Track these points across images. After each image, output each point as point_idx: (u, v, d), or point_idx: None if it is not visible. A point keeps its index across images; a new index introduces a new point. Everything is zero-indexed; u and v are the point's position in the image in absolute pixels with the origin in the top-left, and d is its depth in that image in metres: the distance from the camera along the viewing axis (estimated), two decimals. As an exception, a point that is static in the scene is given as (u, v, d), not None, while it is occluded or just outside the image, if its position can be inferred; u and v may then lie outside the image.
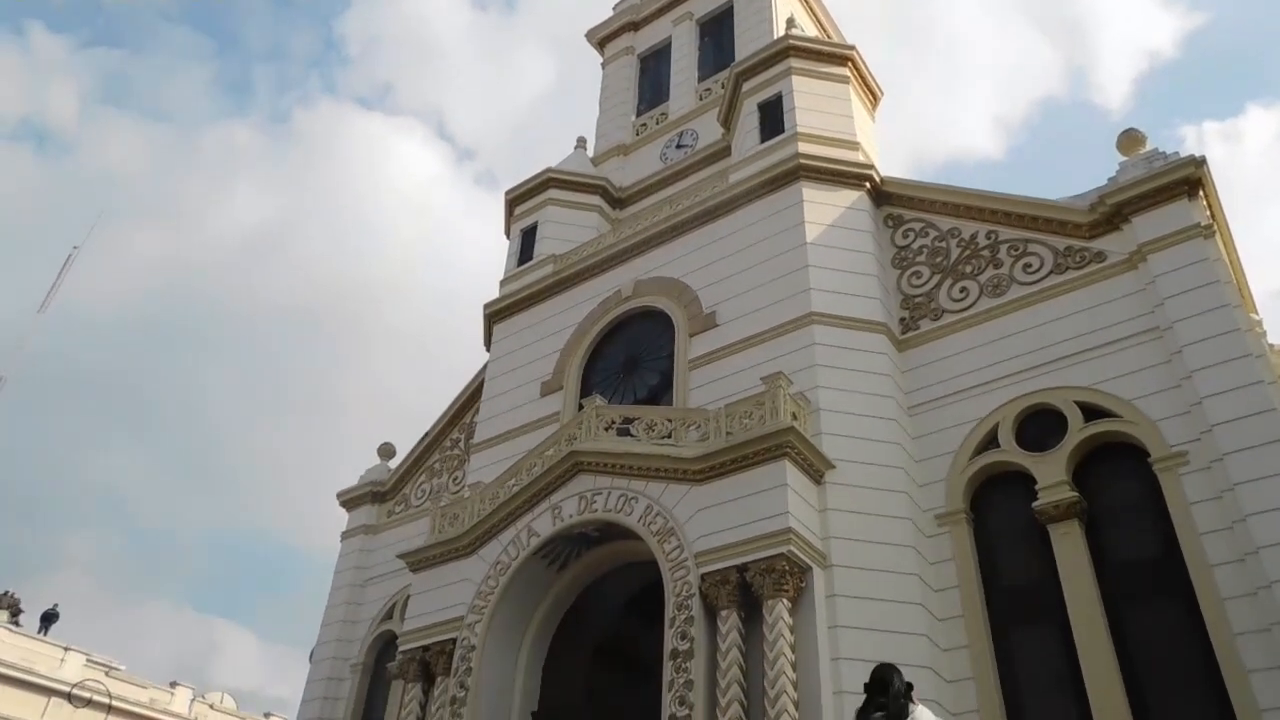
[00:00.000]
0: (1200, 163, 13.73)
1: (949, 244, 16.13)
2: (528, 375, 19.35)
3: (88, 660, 28.40)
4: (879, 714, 5.12)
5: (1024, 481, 13.12)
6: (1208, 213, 13.89)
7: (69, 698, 24.52)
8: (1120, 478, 12.77)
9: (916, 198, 16.94)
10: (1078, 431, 12.98)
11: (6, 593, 29.06)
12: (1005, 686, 12.03)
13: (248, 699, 41.14)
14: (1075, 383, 13.43)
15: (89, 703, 23.65)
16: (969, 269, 15.61)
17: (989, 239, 15.66)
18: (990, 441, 13.75)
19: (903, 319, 15.90)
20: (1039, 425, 13.52)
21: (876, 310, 15.59)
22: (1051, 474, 12.79)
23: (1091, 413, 13.08)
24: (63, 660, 27.82)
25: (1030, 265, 14.95)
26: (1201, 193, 13.87)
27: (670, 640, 12.29)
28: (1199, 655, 11.01)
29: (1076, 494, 12.52)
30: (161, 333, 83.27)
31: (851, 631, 11.91)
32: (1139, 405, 12.71)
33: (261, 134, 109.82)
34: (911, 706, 5.12)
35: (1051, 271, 14.67)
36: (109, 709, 23.79)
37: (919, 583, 12.76)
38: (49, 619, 30.29)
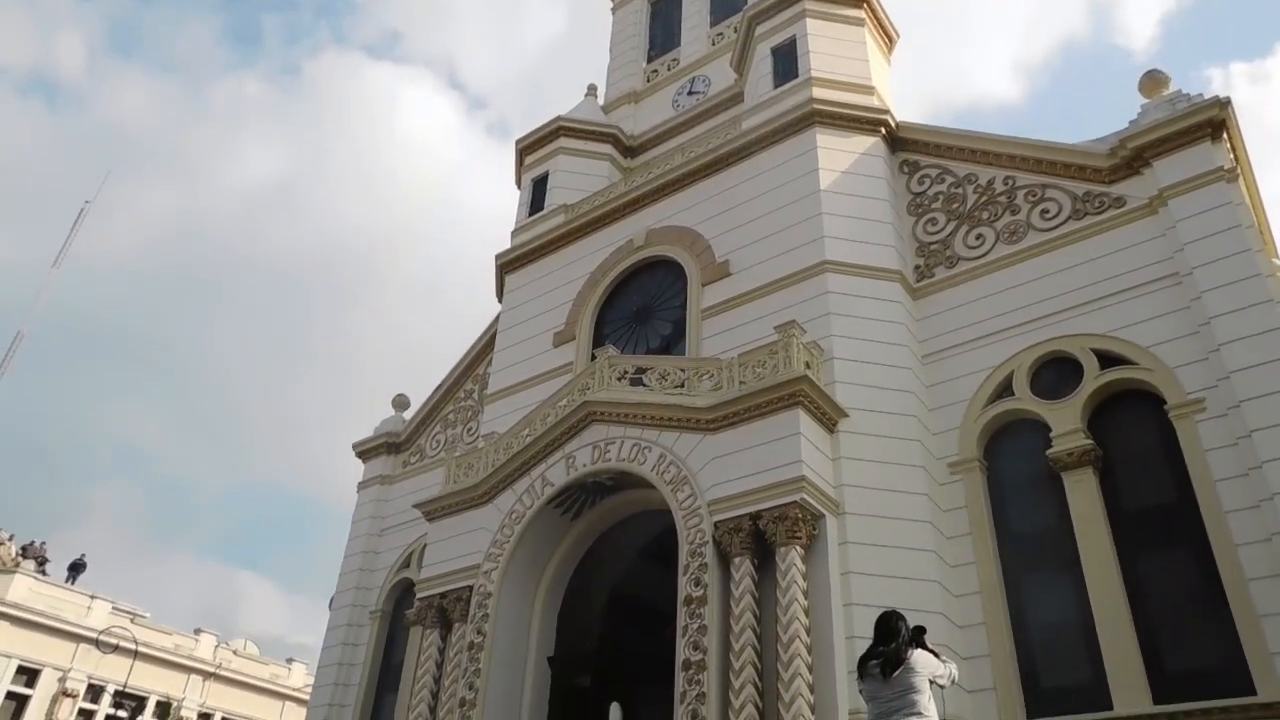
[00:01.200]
0: (1224, 104, 13.42)
1: (965, 190, 15.91)
2: (540, 326, 19.35)
3: (114, 608, 29.06)
4: (875, 661, 5.16)
5: (1038, 429, 13.08)
6: (1231, 156, 13.61)
7: (97, 644, 25.08)
8: (1135, 425, 12.71)
9: (932, 143, 16.67)
10: (1093, 379, 12.90)
11: (32, 543, 29.63)
12: (1016, 631, 12.14)
13: (271, 645, 42.11)
14: (1092, 330, 13.31)
15: (116, 648, 24.17)
16: (985, 215, 15.41)
17: (1006, 185, 15.42)
18: (1004, 390, 13.70)
19: (918, 266, 15.75)
20: (1054, 373, 13.45)
21: (891, 258, 15.45)
22: (1066, 422, 12.75)
23: (1108, 360, 12.99)
24: (89, 608, 28.47)
25: (1048, 211, 14.74)
26: (1225, 135, 13.58)
27: (684, 587, 12.42)
28: (1212, 601, 11.05)
29: (1091, 441, 12.48)
30: (174, 287, 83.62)
31: (864, 578, 12.00)
32: (1156, 352, 12.60)
33: (271, 85, 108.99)
34: (910, 650, 5.15)
35: (1070, 217, 14.46)
36: (135, 654, 24.33)
37: (932, 530, 12.81)
38: (76, 568, 30.92)
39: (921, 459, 13.43)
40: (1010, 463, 13.46)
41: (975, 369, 14.10)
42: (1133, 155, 13.93)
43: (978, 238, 15.27)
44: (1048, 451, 12.72)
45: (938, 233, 15.84)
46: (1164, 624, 11.28)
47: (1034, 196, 15.02)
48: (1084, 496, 12.24)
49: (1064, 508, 12.41)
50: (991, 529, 12.94)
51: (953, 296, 15.01)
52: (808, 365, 13.24)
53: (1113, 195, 14.19)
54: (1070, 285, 13.78)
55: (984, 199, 15.58)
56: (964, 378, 14.14)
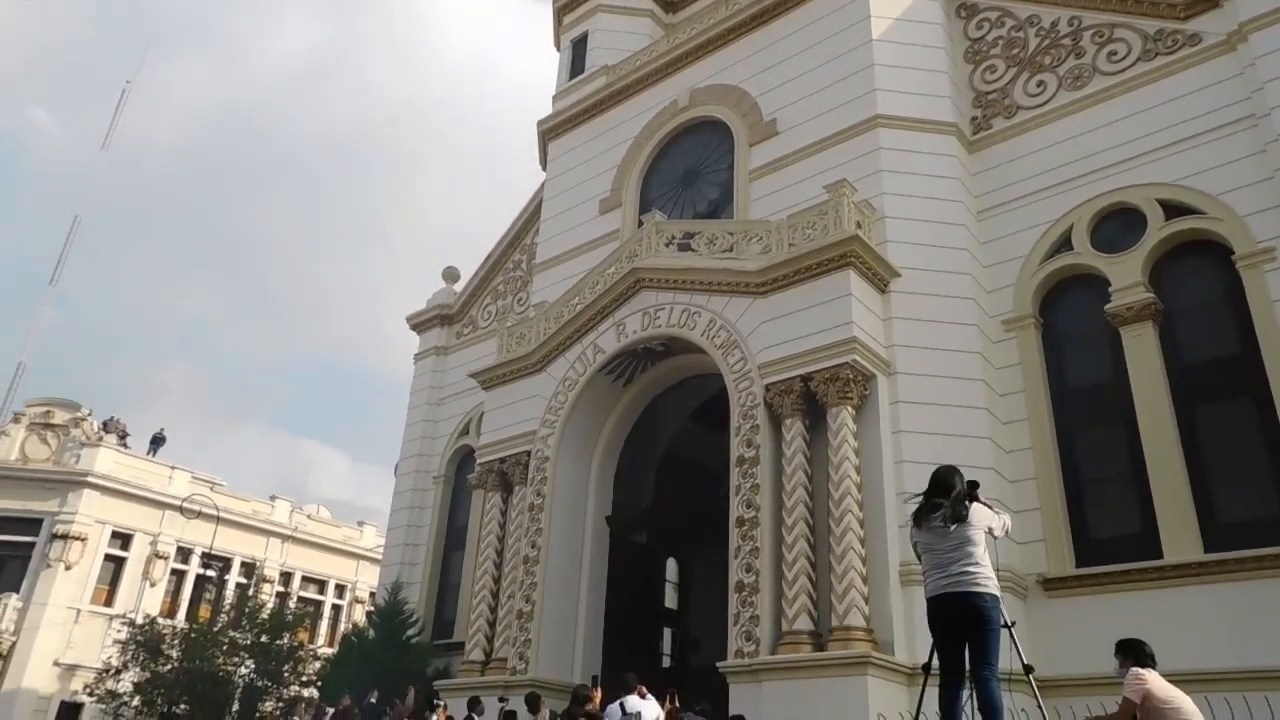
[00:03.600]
0: (1317, -76, 12.33)
1: (1027, 33, 15.06)
2: (586, 193, 19.16)
3: (193, 477, 30.67)
4: (937, 514, 5.24)
5: (1097, 284, 12.79)
6: (1320, -17, 12.61)
7: (180, 510, 26.66)
8: (1199, 277, 12.37)
9: (993, -17, 15.69)
10: (1158, 230, 12.48)
11: (112, 418, 31.07)
12: (1067, 485, 12.25)
13: (341, 509, 44.23)
14: (1158, 179, 12.79)
15: (199, 514, 25.63)
16: (1048, 60, 14.62)
17: (1071, 25, 14.55)
18: (1063, 244, 13.35)
19: (974, 118, 15.13)
20: (1116, 225, 13.04)
21: (946, 110, 14.85)
22: (1127, 276, 12.43)
23: (1173, 210, 12.52)
24: (170, 478, 30.10)
25: (1115, 53, 13.93)
26: (1315, -40, 12.54)
27: (736, 448, 12.68)
28: (1268, 453, 10.99)
29: (1152, 295, 12.19)
30: (221, 165, 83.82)
31: (914, 436, 12.11)
32: (1226, 200, 12.09)
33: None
34: (969, 504, 5.23)
35: (1139, 59, 13.66)
36: (217, 519, 25.78)
37: (984, 388, 12.79)
38: (157, 442, 32.47)
39: (975, 317, 13.27)
40: (1066, 319, 13.26)
41: (1033, 223, 13.71)
42: (1212, -14, 12.98)
43: (1039, 85, 14.55)
44: (1106, 306, 12.47)
45: (996, 81, 15.12)
46: (1218, 475, 11.28)
47: (1101, 37, 14.17)
48: (1142, 351, 12.06)
49: (1120, 363, 12.26)
50: (1045, 385, 12.88)
51: (1011, 149, 14.46)
52: (859, 225, 12.99)
53: (1187, 32, 13.32)
54: (1137, 132, 13.16)
55: (1047, 42, 14.75)
56: (1021, 233, 13.78)
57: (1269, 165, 11.80)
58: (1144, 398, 11.85)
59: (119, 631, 22.29)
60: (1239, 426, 11.40)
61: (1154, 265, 12.49)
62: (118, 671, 20.30)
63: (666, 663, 16.39)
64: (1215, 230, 12.10)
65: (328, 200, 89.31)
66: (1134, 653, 5.32)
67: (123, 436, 30.96)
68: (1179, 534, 11.02)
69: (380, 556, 23.74)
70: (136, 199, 77.65)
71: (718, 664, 11.70)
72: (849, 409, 11.97)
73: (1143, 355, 12.04)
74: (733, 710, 10.78)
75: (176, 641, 20.39)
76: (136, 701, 19.72)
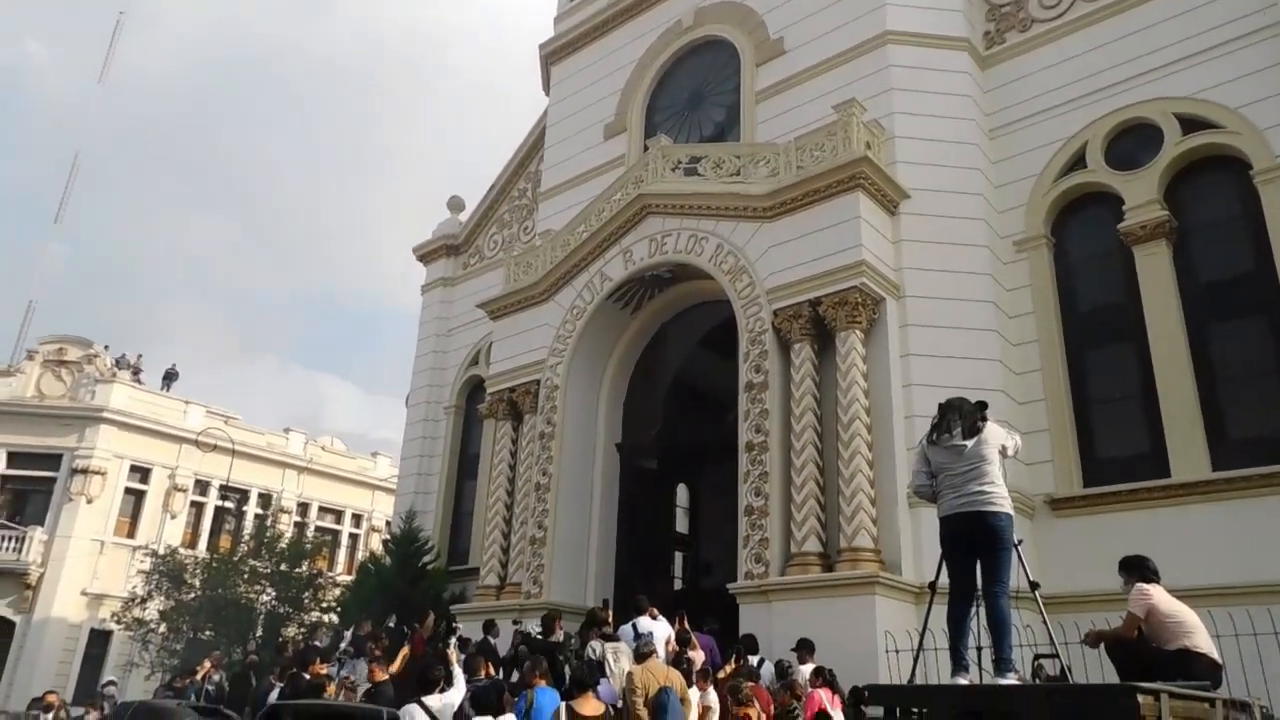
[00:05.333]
0: None
1: (1044, -59, 14.52)
2: (590, 118, 18.83)
3: (208, 411, 31.00)
4: (948, 434, 5.25)
5: (1111, 203, 12.60)
6: (1352, -119, 12.08)
7: (196, 443, 27.05)
8: (1214, 194, 12.15)
9: (1009, -112, 15.07)
10: (1174, 146, 12.22)
11: (124, 355, 31.27)
12: (1076, 406, 12.26)
13: (355, 441, 44.76)
14: (1175, 93, 12.47)
15: (215, 447, 26.04)
16: (1065, -31, 14.13)
17: (1090, -68, 14.02)
18: (1077, 162, 13.11)
19: (987, 33, 14.72)
20: (1131, 142, 12.78)
21: (958, 24, 14.44)
22: (1141, 193, 12.22)
23: (1191, 125, 12.24)
24: (185, 412, 30.42)
25: (1135, -40, 13.43)
26: None
27: (745, 374, 12.69)
28: (1279, 370, 10.94)
29: (1167, 213, 12.00)
30: (223, 97, 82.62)
31: (923, 359, 12.08)
32: (1245, 113, 11.79)
33: None
34: (981, 423, 5.24)
35: (1159, -34, 13.18)
36: (233, 452, 26.15)
37: (994, 310, 12.71)
38: (170, 377, 32.71)
39: (985, 238, 13.12)
40: (1078, 239, 13.10)
41: (1046, 141, 13.44)
42: (1237, -114, 12.44)
43: (1055, -4, 14.10)
44: (1119, 225, 12.30)
45: (1011, -8, 14.65)
46: (1229, 393, 11.26)
47: (1120, -56, 13.66)
48: (1155, 269, 11.93)
49: (1133, 282, 12.14)
50: (1056, 307, 12.79)
51: (1025, 64, 14.09)
52: (868, 145, 12.75)
53: (1210, -62, 12.82)
54: (1154, 44, 12.79)
55: (1064, -49, 14.23)
56: (1034, 151, 13.52)
57: (1291, 76, 11.48)
58: (1156, 317, 11.76)
59: (142, 562, 22.82)
60: (1251, 344, 11.33)
61: (1169, 182, 12.27)
62: (143, 600, 20.84)
63: (678, 585, 16.70)
64: (1233, 144, 11.84)
65: (332, 131, 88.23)
66: (1137, 569, 5.38)
67: (136, 373, 31.20)
68: (1188, 452, 11.05)
69: (394, 486, 24.08)
70: (137, 132, 76.83)
71: (728, 586, 11.92)
72: (858, 333, 11.92)
73: (1156, 274, 11.91)
74: (743, 630, 11.01)
75: (198, 571, 20.89)
76: (163, 628, 20.29)
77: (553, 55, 20.31)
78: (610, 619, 10.88)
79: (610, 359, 15.73)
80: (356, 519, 34.87)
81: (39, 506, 27.22)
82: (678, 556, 17.31)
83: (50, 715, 12.40)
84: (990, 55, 14.51)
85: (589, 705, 6.60)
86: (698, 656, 9.46)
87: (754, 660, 9.89)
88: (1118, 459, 11.82)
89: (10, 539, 26.02)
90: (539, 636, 10.80)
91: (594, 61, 19.34)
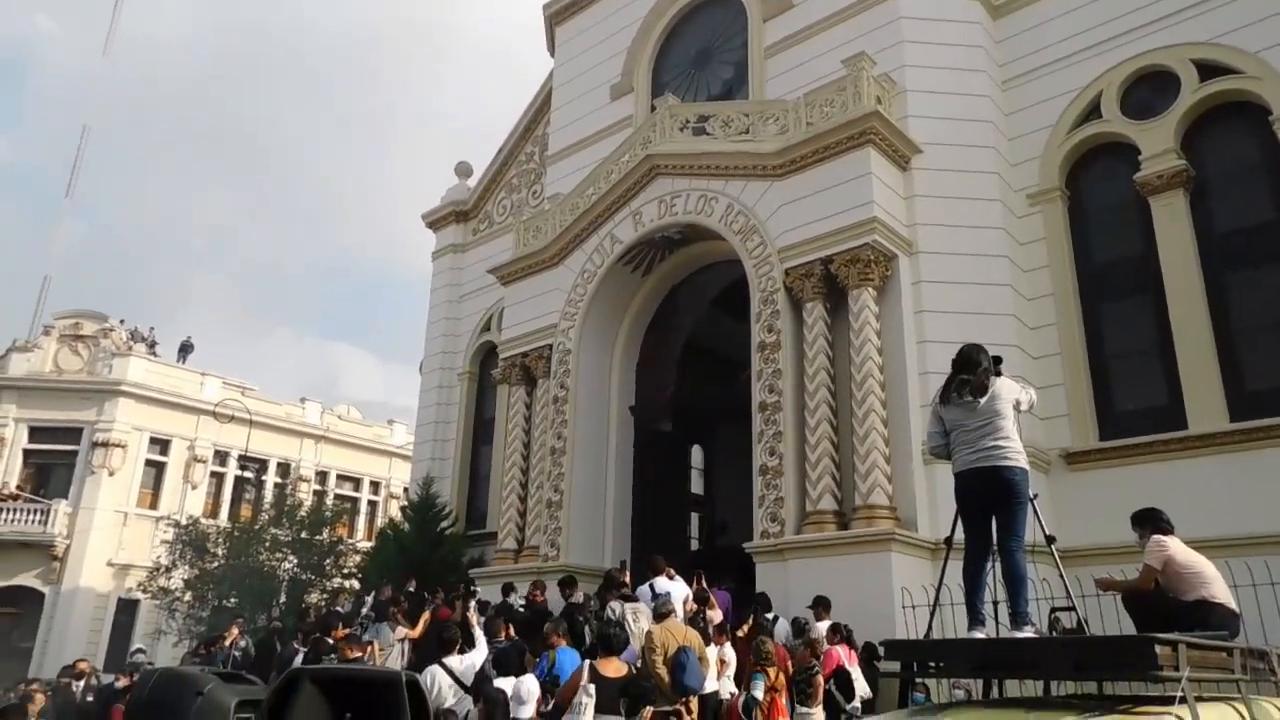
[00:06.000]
0: None
1: (1057, -116, 14.16)
2: (596, 79, 18.63)
3: (224, 383, 31.22)
4: (965, 389, 5.20)
5: (1126, 153, 12.41)
6: None
7: (214, 415, 27.28)
8: (1233, 142, 11.96)
9: None
10: (1192, 93, 12.01)
11: (136, 328, 31.44)
12: (1092, 361, 12.18)
13: (374, 410, 44.98)
14: (1192, 38, 12.22)
15: (232, 418, 26.25)
16: (1079, -87, 13.78)
17: (1105, -127, 13.65)
18: (1092, 112, 12.91)
19: (1000, -20, 14.42)
20: (1147, 90, 12.57)
21: (970, -27, 14.13)
22: (1158, 142, 12.03)
23: (1209, 71, 12.01)
24: (202, 384, 30.65)
25: (1152, -99, 13.09)
26: None
27: (757, 334, 12.65)
28: (1299, 319, 10.84)
29: (1184, 162, 11.82)
30: (232, 67, 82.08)
31: (937, 315, 12.00)
32: (1265, 57, 11.55)
33: None
34: (992, 378, 5.20)
35: (1176, -93, 12.85)
36: (251, 423, 26.35)
37: (1008, 264, 12.60)
38: (185, 350, 32.93)
39: (999, 192, 12.96)
40: (1093, 191, 12.93)
41: (1060, 91, 13.22)
42: None
43: (1069, -60, 13.77)
44: (1136, 175, 12.13)
45: (1024, -62, 14.31)
46: (1247, 343, 11.15)
47: (1136, -115, 13.30)
48: (1172, 220, 11.77)
49: (1149, 234, 12.00)
50: (1070, 260, 12.66)
51: (1039, 11, 13.83)
52: (879, 100, 12.57)
53: (1229, -125, 12.47)
54: (1172, -12, 12.51)
55: (1078, -107, 13.88)
56: (1047, 101, 13.31)
57: (1312, 18, 11.23)
58: (1172, 268, 11.64)
59: (165, 532, 23.14)
60: (1269, 293, 11.20)
61: (1187, 130, 12.07)
62: (168, 570, 21.17)
63: (694, 546, 16.82)
64: (1252, 90, 11.62)
65: (344, 98, 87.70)
66: (1150, 521, 5.36)
67: (152, 345, 31.41)
68: (1205, 404, 10.98)
69: (411, 453, 24.25)
70: (148, 104, 76.57)
71: (744, 545, 11.99)
72: (870, 290, 11.85)
73: (1172, 224, 11.76)
74: (760, 588, 11.10)
75: (221, 540, 21.17)
76: (188, 597, 20.62)
77: (557, 15, 20.05)
78: (628, 580, 10.98)
79: (622, 322, 15.71)
80: (374, 486, 35.19)
81: (62, 480, 27.59)
82: (693, 517, 17.41)
83: (82, 683, 12.66)
84: (1002, 4, 14.23)
85: (612, 667, 6.67)
86: (715, 615, 9.56)
87: (769, 617, 9.98)
88: (1134, 412, 11.76)
89: (35, 512, 26.41)
90: (522, 609, 10.86)
91: (599, 21, 19.08)
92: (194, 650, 13.55)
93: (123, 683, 10.71)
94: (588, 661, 6.64)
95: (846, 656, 8.64)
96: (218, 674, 3.49)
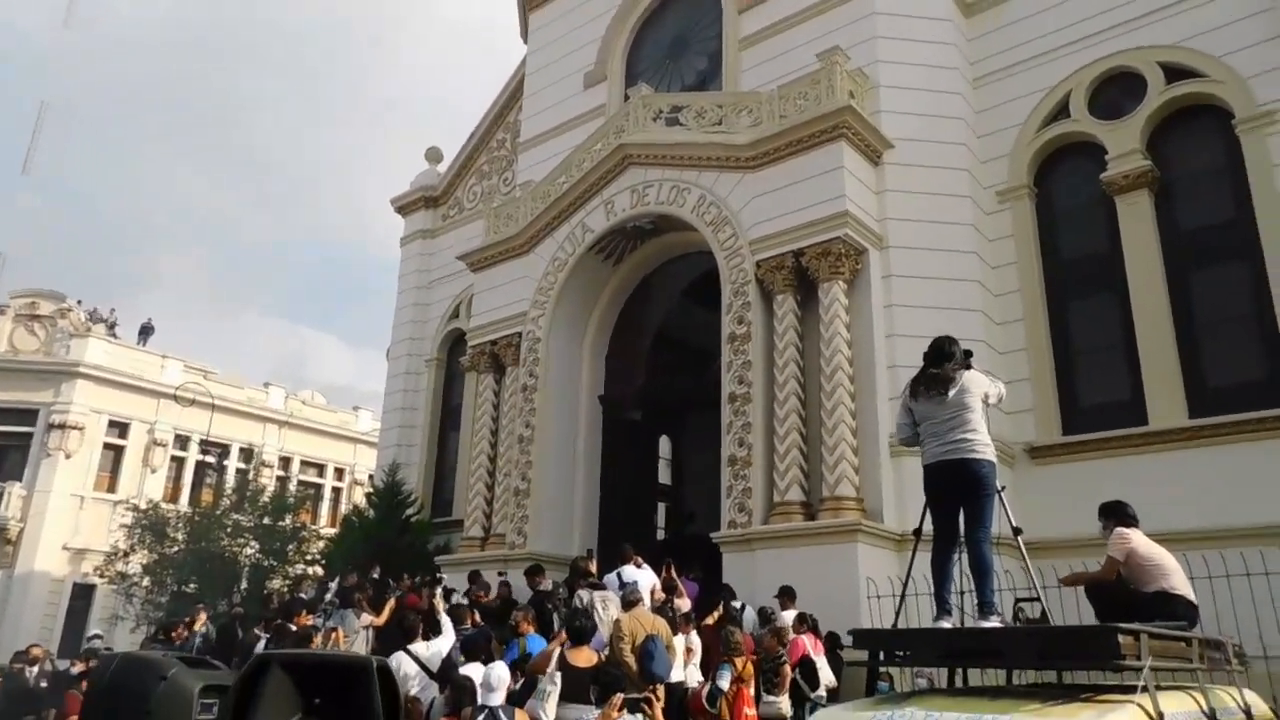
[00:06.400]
0: None
1: (1031, -116, 14.28)
2: (570, 66, 18.52)
3: (186, 366, 30.72)
4: (934, 383, 5.25)
5: (1094, 153, 12.59)
6: None
7: (175, 398, 26.84)
8: (1197, 144, 12.17)
9: None
10: (1158, 94, 12.20)
11: (95, 309, 30.82)
12: (1057, 355, 12.36)
13: (340, 394, 44.56)
14: (1159, 41, 12.42)
15: (194, 402, 25.84)
16: (1052, -87, 13.92)
17: (1078, -126, 13.79)
18: (1060, 111, 13.08)
19: (973, -22, 14.52)
20: (1115, 91, 12.76)
21: (944, -30, 14.23)
22: (1124, 142, 12.22)
23: (1175, 74, 12.21)
24: (163, 367, 30.14)
25: (1123, -96, 13.25)
26: None
27: (727, 325, 12.68)
28: (1256, 318, 11.06)
29: (1149, 163, 12.01)
30: (195, 43, 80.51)
31: (906, 310, 12.10)
32: (1229, 61, 11.76)
33: None
34: (962, 371, 5.26)
35: (1147, -90, 13.02)
36: (213, 407, 25.97)
37: (977, 260, 12.74)
38: (146, 331, 32.34)
39: (969, 189, 13.09)
40: (1061, 189, 13.11)
41: (1030, 90, 13.38)
42: None
43: (1042, -60, 13.90)
44: (1102, 175, 12.31)
45: (997, -63, 14.43)
46: (1207, 341, 11.38)
47: (1108, -113, 13.47)
48: (1136, 219, 11.97)
49: (1115, 232, 12.19)
50: (1038, 257, 12.84)
51: (1011, 10, 13.97)
52: (851, 95, 12.63)
53: (1199, -120, 12.66)
54: (1141, -10, 12.68)
55: (1051, -106, 14.01)
56: (1017, 100, 13.46)
57: (1275, 24, 11.44)
58: (1136, 266, 11.84)
59: (124, 516, 22.77)
60: (1230, 292, 11.43)
61: (1152, 132, 12.27)
62: (126, 554, 20.82)
63: (660, 535, 16.86)
64: (1216, 93, 11.84)
65: (311, 79, 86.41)
66: (1116, 513, 5.45)
67: (111, 326, 30.82)
68: (1165, 400, 11.19)
69: (376, 440, 24.05)
70: (110, 80, 74.89)
71: (711, 535, 12.03)
72: (841, 283, 11.92)
73: (1137, 224, 11.96)
74: (726, 578, 11.15)
75: (181, 525, 20.86)
76: (146, 582, 20.31)
77: (531, 1, 19.89)
78: (594, 568, 10.97)
79: (593, 311, 15.67)
80: (339, 473, 34.88)
81: (16, 462, 27.02)
82: (660, 507, 17.45)
83: (35, 668, 12.42)
84: (974, 2, 14.35)
85: (582, 656, 6.67)
86: (683, 604, 9.59)
87: (736, 605, 10.03)
88: (1097, 407, 11.96)
89: (-12, 495, 25.84)
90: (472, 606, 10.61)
91: (573, 8, 18.96)
92: (153, 636, 13.34)
93: (78, 668, 10.52)
94: (559, 646, 6.64)
95: (812, 646, 8.71)
96: (181, 658, 3.43)
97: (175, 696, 3.39)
